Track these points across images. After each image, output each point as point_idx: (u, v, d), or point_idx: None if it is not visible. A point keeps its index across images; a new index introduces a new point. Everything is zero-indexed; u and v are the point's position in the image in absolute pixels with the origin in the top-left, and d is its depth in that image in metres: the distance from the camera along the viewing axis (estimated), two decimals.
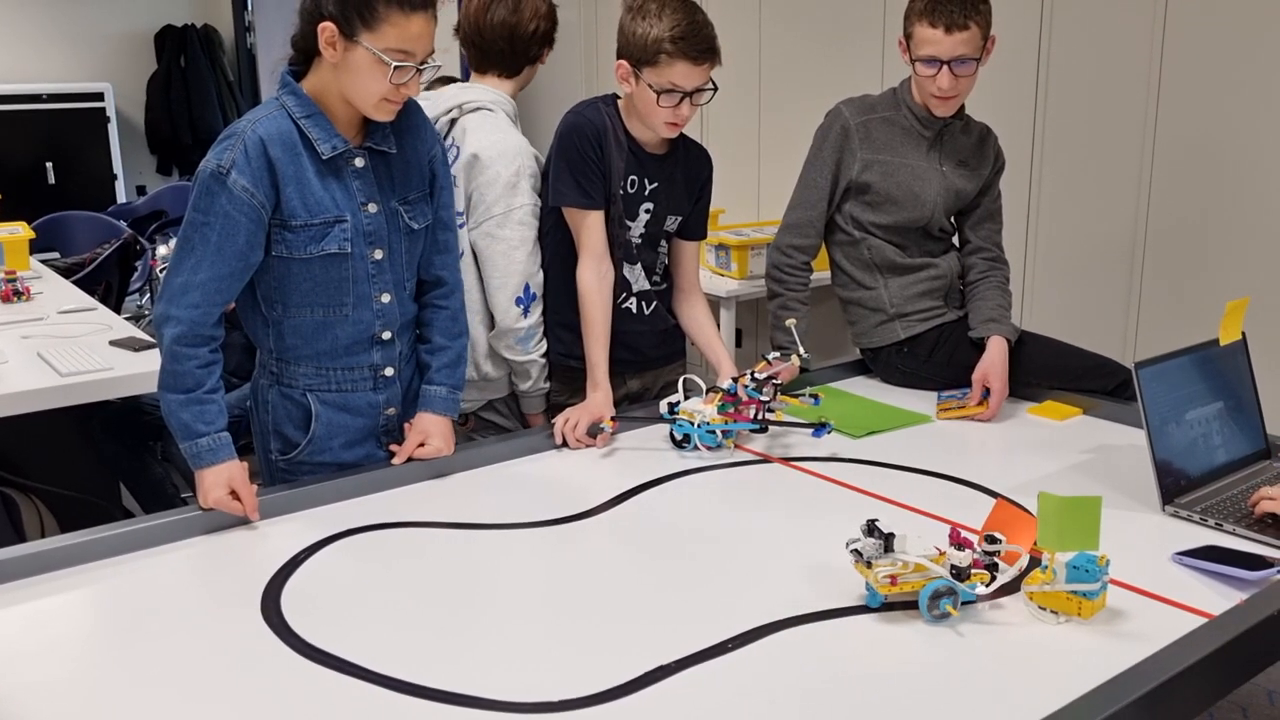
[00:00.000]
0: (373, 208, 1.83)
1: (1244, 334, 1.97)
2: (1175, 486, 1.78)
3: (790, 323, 2.31)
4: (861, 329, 2.52)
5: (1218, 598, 1.46)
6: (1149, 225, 3.33)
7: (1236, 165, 3.11)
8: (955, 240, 2.55)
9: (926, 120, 2.40)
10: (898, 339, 2.46)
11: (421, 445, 1.91)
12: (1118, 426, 2.18)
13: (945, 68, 2.26)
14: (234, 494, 1.71)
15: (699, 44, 2.03)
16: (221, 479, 1.71)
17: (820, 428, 2.04)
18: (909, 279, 2.45)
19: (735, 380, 2.05)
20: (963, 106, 2.44)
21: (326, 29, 1.70)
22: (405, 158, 1.88)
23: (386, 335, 1.90)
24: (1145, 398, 1.77)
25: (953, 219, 2.52)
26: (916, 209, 2.40)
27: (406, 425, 1.95)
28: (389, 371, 1.92)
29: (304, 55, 1.79)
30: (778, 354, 2.15)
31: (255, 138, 1.73)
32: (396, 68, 1.70)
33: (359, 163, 1.82)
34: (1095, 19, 3.33)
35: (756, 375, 2.06)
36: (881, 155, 2.39)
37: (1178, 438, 1.81)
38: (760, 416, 2.03)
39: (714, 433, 2.02)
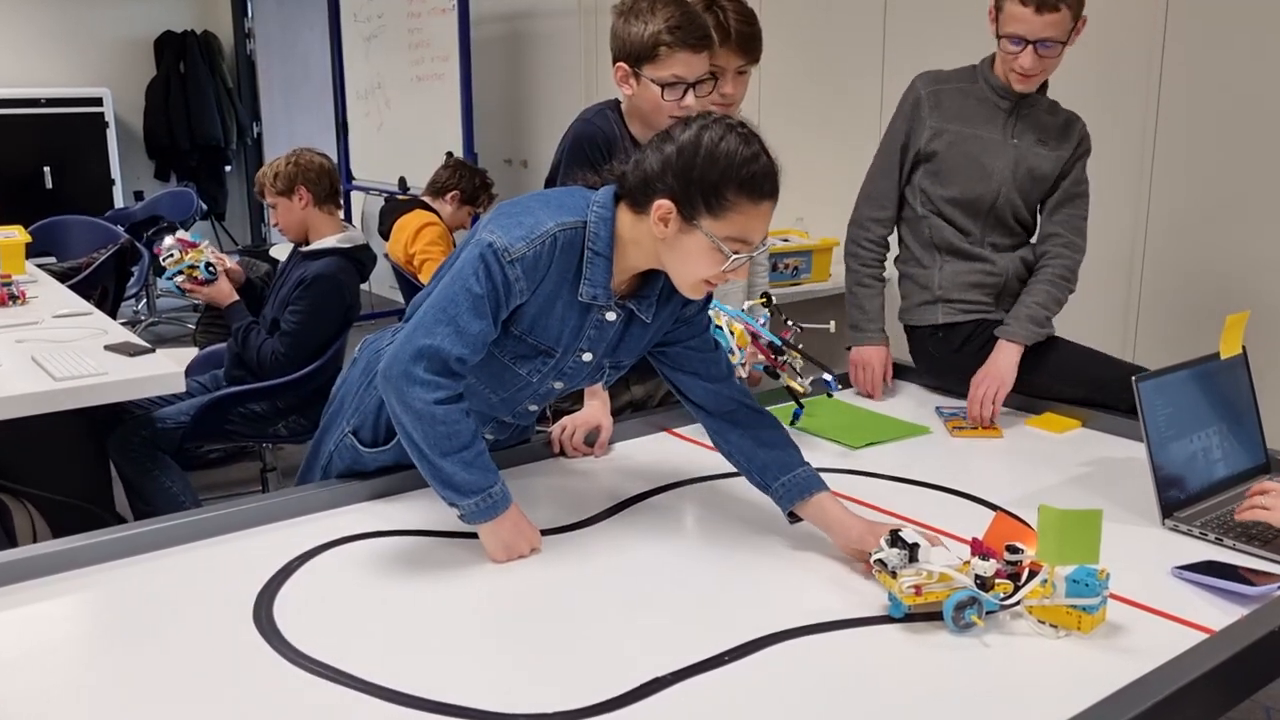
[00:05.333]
0: (587, 357, 1.71)
1: (1244, 348, 1.96)
2: (1175, 500, 1.77)
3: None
4: (907, 305, 2.53)
5: (1218, 613, 1.46)
6: (1148, 240, 3.33)
7: (1236, 178, 3.11)
8: (1030, 239, 2.48)
9: (1004, 91, 2.36)
10: (935, 322, 2.45)
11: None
12: (1117, 439, 2.18)
13: (1030, 47, 2.23)
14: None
15: (695, 31, 2.05)
16: (521, 525, 1.63)
17: (829, 381, 2.18)
18: (964, 266, 2.42)
19: (766, 323, 2.18)
20: (1045, 87, 2.39)
21: (662, 206, 1.53)
22: (653, 326, 1.72)
23: (533, 407, 1.85)
24: (1145, 411, 1.76)
25: (1035, 214, 2.45)
26: (983, 182, 2.37)
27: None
28: (508, 419, 1.87)
29: (630, 191, 1.59)
30: (799, 329, 2.27)
31: (554, 246, 1.57)
32: (733, 257, 1.53)
33: (610, 317, 1.67)
34: (1096, 26, 3.33)
35: (781, 339, 2.19)
36: (951, 125, 2.38)
37: (1178, 451, 1.80)
38: (779, 358, 2.17)
39: (732, 351, 2.09)
